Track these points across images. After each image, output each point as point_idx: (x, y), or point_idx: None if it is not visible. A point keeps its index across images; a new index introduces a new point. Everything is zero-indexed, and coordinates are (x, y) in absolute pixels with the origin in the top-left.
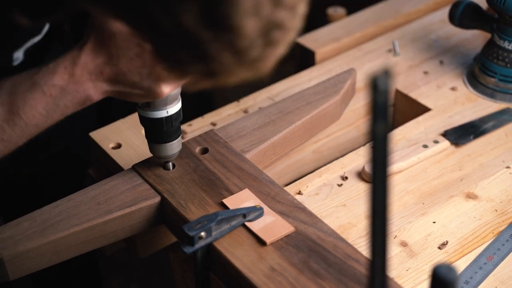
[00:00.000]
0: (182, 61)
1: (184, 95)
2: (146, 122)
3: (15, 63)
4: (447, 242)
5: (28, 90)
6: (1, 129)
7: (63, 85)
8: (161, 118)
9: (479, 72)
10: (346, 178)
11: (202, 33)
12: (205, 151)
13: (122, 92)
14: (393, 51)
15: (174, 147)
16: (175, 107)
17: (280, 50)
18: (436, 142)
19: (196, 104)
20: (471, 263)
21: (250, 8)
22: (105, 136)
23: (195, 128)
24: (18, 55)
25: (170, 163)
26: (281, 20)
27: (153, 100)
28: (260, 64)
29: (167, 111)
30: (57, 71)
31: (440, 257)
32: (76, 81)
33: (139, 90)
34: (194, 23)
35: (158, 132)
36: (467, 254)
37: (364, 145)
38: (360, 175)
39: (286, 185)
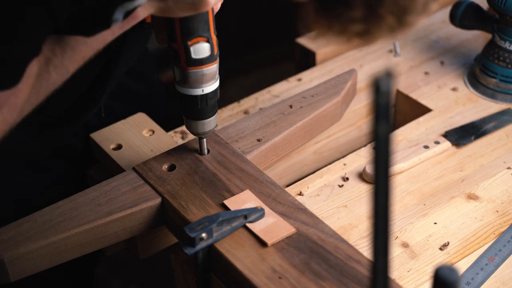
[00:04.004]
0: (349, 20)
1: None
2: (182, 98)
3: (113, 24)
4: (448, 243)
5: None
6: (51, 52)
7: None
8: (196, 96)
9: (479, 72)
10: (347, 179)
11: None
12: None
13: (165, 8)
14: (393, 51)
15: (208, 124)
16: (211, 86)
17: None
18: (437, 142)
19: None
20: (472, 264)
21: None
22: (106, 137)
23: None
24: (118, 16)
25: (171, 164)
26: None
27: (197, 12)
28: (407, 28)
29: (203, 90)
30: None
31: (441, 258)
32: None
33: (183, 3)
34: None
35: (193, 109)
36: (468, 255)
37: (365, 145)
38: (361, 176)
39: (287, 186)
